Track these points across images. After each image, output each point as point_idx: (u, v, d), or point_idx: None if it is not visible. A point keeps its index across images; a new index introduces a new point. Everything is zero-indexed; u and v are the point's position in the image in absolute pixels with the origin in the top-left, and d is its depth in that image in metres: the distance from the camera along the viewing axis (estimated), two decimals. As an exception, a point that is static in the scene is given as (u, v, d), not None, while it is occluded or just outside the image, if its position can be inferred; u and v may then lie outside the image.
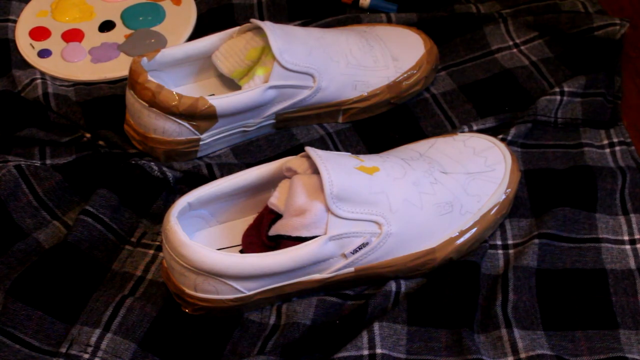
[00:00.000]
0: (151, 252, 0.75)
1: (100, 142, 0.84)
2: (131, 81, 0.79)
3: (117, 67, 0.92)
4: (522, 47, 0.92)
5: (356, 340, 0.67)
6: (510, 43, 0.92)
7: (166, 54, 0.82)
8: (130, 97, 0.79)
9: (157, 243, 0.75)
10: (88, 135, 0.85)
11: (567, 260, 0.73)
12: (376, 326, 0.68)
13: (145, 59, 0.80)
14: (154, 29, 0.96)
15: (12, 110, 0.86)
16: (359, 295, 0.72)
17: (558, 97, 0.84)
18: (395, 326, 0.68)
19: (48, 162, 0.81)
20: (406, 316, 0.69)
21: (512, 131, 0.82)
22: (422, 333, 0.68)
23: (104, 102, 0.88)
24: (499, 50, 0.92)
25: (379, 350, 0.66)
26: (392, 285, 0.71)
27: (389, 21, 0.93)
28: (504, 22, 0.93)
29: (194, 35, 0.95)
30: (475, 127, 0.83)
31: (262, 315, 0.72)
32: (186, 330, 0.70)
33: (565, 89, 0.85)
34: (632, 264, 0.73)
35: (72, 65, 0.92)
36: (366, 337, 0.67)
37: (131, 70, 0.79)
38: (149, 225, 0.78)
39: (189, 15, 0.97)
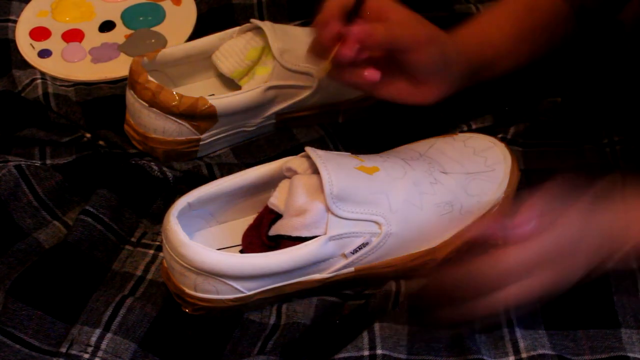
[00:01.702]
0: (151, 252, 0.75)
1: (101, 142, 0.85)
2: (131, 81, 0.79)
3: (117, 67, 0.92)
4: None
5: (357, 341, 0.67)
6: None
7: (166, 54, 0.82)
8: (130, 97, 0.80)
9: (157, 243, 0.76)
10: (88, 135, 0.86)
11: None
12: (377, 327, 0.68)
13: (145, 59, 0.81)
14: (154, 29, 0.96)
15: (12, 110, 0.86)
16: (359, 295, 0.72)
17: (559, 99, 0.85)
18: (396, 326, 0.68)
19: (48, 162, 0.81)
20: (407, 316, 0.69)
21: (512, 130, 0.82)
22: (423, 333, 0.68)
23: (104, 102, 0.88)
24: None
25: (379, 351, 0.66)
26: (392, 285, 0.71)
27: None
28: None
29: (194, 35, 0.95)
30: (474, 127, 0.83)
31: (262, 315, 0.72)
32: (186, 330, 0.70)
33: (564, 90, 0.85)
34: (634, 263, 0.73)
35: (72, 65, 0.92)
36: (367, 337, 0.67)
37: (131, 70, 0.79)
38: (149, 225, 0.78)
39: (189, 15, 0.97)
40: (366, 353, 0.66)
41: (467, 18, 0.81)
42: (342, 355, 0.66)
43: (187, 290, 0.69)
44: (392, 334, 0.68)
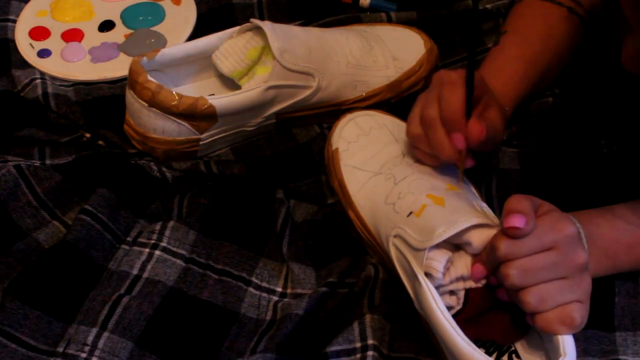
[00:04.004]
0: (147, 250, 0.77)
1: (100, 142, 0.87)
2: (131, 81, 0.81)
3: (116, 67, 0.94)
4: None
5: (348, 333, 0.70)
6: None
7: (166, 53, 0.84)
8: (130, 96, 0.82)
9: (153, 241, 0.77)
10: (88, 135, 0.88)
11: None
12: (367, 318, 0.71)
13: (145, 58, 0.83)
14: (153, 28, 0.98)
15: (11, 110, 0.89)
16: (344, 283, 0.75)
17: (550, 99, 0.86)
18: (383, 321, 0.71)
19: (48, 162, 0.83)
20: (391, 315, 0.71)
21: (506, 131, 0.83)
22: (403, 332, 0.71)
23: (104, 102, 0.90)
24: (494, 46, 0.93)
25: (370, 341, 0.69)
26: (372, 271, 0.74)
27: (389, 20, 0.95)
28: (502, 18, 0.95)
29: (194, 35, 0.97)
30: None
31: (259, 311, 0.74)
32: (183, 327, 0.72)
33: (556, 90, 0.86)
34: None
35: (72, 65, 0.94)
36: (357, 329, 0.70)
37: (131, 70, 0.81)
38: (145, 225, 0.80)
39: (189, 15, 0.99)
40: (358, 345, 0.69)
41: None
42: (334, 347, 0.69)
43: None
44: (380, 327, 0.70)
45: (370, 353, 0.69)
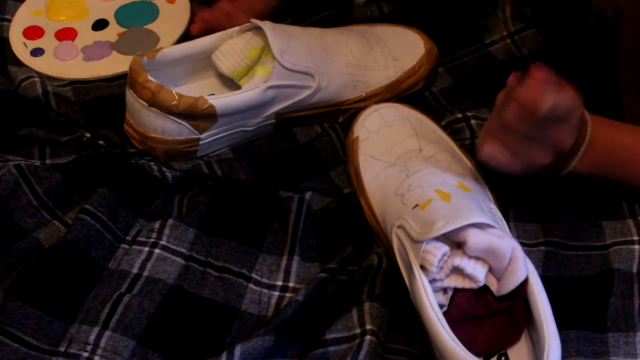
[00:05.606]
0: (146, 249, 0.78)
1: (100, 142, 0.88)
2: (131, 80, 0.83)
3: (109, 65, 0.96)
4: (516, 37, 0.96)
5: (347, 320, 0.72)
6: (505, 34, 0.96)
7: (166, 53, 0.86)
8: (130, 96, 0.83)
9: (152, 240, 0.79)
10: (88, 134, 0.89)
11: (573, 268, 0.77)
12: (366, 305, 0.72)
13: (145, 58, 0.84)
14: (147, 27, 1.00)
15: (11, 109, 0.90)
16: (344, 270, 0.77)
17: None
18: (381, 310, 0.73)
19: (48, 161, 0.85)
20: (390, 305, 0.73)
21: None
22: (401, 324, 0.73)
23: (104, 101, 0.92)
24: (493, 43, 0.96)
25: (369, 327, 0.71)
26: (374, 260, 0.76)
27: (384, 20, 0.97)
28: (502, 12, 0.97)
29: (188, 34, 0.98)
30: (469, 114, 0.88)
31: (260, 308, 0.76)
32: (185, 325, 0.74)
33: None
34: (635, 267, 0.76)
35: (65, 64, 0.96)
36: (356, 315, 0.72)
37: (131, 70, 0.83)
38: (144, 224, 0.81)
39: (182, 13, 1.01)
40: (357, 331, 0.71)
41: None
42: (333, 335, 0.71)
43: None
44: (379, 315, 0.72)
45: (368, 337, 0.70)
